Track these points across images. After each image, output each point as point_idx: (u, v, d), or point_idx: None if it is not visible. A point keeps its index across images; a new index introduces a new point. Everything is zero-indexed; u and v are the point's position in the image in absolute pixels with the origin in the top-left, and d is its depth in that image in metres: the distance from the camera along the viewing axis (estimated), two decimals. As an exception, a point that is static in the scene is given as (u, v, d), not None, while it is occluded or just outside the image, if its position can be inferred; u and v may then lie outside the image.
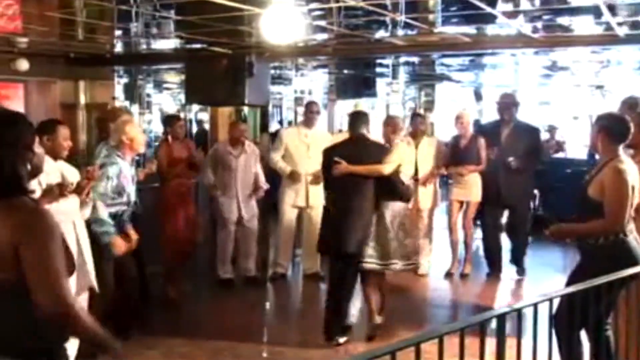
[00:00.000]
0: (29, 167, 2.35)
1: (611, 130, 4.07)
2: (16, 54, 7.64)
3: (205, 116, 13.39)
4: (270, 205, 7.94)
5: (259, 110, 9.36)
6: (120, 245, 4.87)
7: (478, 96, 16.59)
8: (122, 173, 5.02)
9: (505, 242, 7.72)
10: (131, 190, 5.13)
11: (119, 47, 8.03)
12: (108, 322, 4.68)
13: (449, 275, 7.60)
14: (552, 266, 7.47)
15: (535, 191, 9.12)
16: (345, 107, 13.55)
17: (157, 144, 8.42)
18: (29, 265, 2.16)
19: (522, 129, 7.47)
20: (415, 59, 9.94)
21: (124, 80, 11.63)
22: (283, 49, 7.22)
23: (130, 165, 5.19)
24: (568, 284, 3.95)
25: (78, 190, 4.23)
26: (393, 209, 5.32)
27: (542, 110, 16.92)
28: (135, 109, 11.79)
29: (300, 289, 7.51)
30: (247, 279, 7.21)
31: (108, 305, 4.72)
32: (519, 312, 2.93)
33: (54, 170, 4.26)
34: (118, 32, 7.08)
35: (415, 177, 7.10)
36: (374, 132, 6.14)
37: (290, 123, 15.03)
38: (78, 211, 4.38)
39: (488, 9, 5.36)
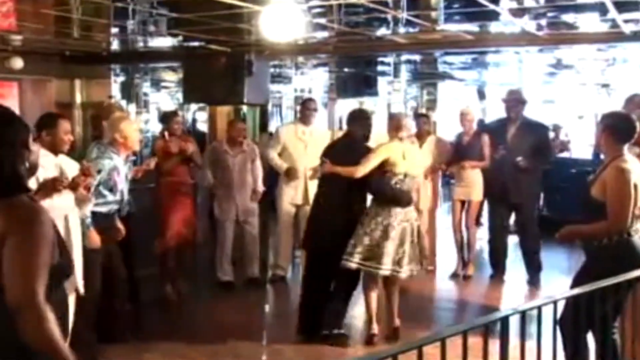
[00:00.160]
0: (27, 165, 2.36)
1: (616, 128, 4.06)
2: (10, 52, 7.65)
3: (203, 116, 13.39)
4: (269, 203, 7.94)
5: (258, 110, 9.34)
6: (94, 239, 4.69)
7: (481, 95, 16.58)
8: (117, 169, 4.94)
9: (513, 244, 7.68)
10: (124, 188, 5.05)
11: (115, 45, 8.04)
12: (98, 325, 4.77)
13: (454, 276, 7.59)
14: (557, 268, 7.46)
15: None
16: (345, 106, 13.54)
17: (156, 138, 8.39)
18: (6, 257, 2.16)
19: (530, 127, 7.36)
20: (417, 57, 9.94)
21: (121, 78, 11.62)
22: (283, 47, 7.22)
23: (125, 163, 5.13)
24: (573, 285, 3.95)
25: (72, 185, 4.21)
26: (404, 215, 5.27)
27: (547, 109, 16.91)
28: (132, 108, 11.78)
29: (300, 291, 7.49)
30: (247, 280, 7.21)
31: (94, 308, 4.69)
32: (523, 314, 2.92)
33: (52, 166, 4.24)
34: (114, 30, 7.09)
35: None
36: (378, 131, 6.15)
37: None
38: (72, 207, 4.35)
39: (491, 6, 5.36)
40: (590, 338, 3.98)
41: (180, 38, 7.28)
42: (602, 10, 5.54)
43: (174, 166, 6.56)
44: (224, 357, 5.20)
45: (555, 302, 3.23)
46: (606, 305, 3.56)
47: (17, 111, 7.51)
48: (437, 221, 7.79)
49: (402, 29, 6.57)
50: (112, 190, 4.93)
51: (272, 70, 9.54)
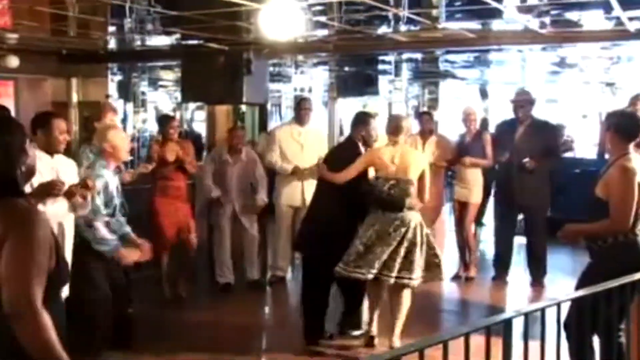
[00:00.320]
0: (23, 169, 2.36)
1: (621, 127, 4.06)
2: (6, 50, 7.65)
3: (201, 115, 13.41)
4: (267, 205, 7.93)
5: (257, 109, 9.37)
6: (127, 256, 4.74)
7: (484, 94, 16.59)
8: (109, 187, 4.82)
9: (517, 245, 7.66)
10: (117, 202, 4.91)
11: (112, 44, 8.05)
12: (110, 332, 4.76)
13: (456, 278, 7.59)
14: (561, 269, 7.45)
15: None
16: (346, 105, 13.55)
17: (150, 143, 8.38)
18: (4, 260, 2.16)
19: (539, 127, 7.27)
20: (419, 56, 9.96)
21: (118, 77, 11.63)
22: (282, 46, 7.22)
23: (114, 174, 4.99)
24: (578, 287, 3.95)
25: (68, 193, 4.19)
26: (400, 221, 5.19)
27: (550, 109, 16.91)
28: (129, 107, 11.80)
29: (300, 292, 7.49)
30: (246, 283, 7.21)
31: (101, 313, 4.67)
32: (526, 317, 2.92)
33: (47, 169, 4.22)
34: (112, 28, 7.09)
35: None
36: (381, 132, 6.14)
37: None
38: (66, 214, 4.33)
39: (494, 4, 5.36)
40: (595, 340, 3.97)
41: (179, 36, 7.28)
42: (607, 7, 5.54)
43: (170, 171, 6.56)
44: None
45: (559, 304, 3.23)
46: (611, 307, 3.55)
47: (12, 110, 7.54)
48: (440, 222, 7.77)
49: (403, 27, 6.57)
50: (107, 205, 4.80)
51: (271, 69, 9.55)
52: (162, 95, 17.55)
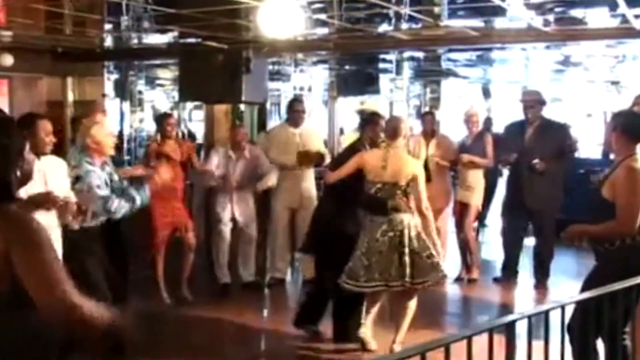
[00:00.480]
0: (18, 173, 2.35)
1: (628, 128, 4.06)
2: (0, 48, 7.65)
3: (199, 114, 13.40)
4: (264, 207, 7.93)
5: (256, 108, 9.35)
6: (156, 180, 5.05)
7: (486, 93, 16.59)
8: (98, 181, 4.84)
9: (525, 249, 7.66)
10: (105, 194, 4.88)
11: (109, 42, 8.05)
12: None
13: (458, 280, 7.59)
14: (566, 272, 7.45)
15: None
16: (346, 104, 13.57)
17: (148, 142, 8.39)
18: (22, 273, 2.16)
19: (548, 128, 7.21)
20: (420, 54, 9.96)
21: (115, 76, 11.64)
22: (282, 44, 7.23)
23: (102, 169, 4.98)
24: (583, 289, 3.94)
25: (60, 210, 4.17)
26: (388, 225, 5.15)
27: (554, 108, 16.91)
28: (126, 106, 11.80)
29: (300, 294, 7.50)
30: (245, 284, 7.21)
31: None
32: (529, 319, 2.92)
33: (35, 172, 4.20)
34: (108, 26, 7.10)
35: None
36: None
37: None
38: (56, 226, 4.31)
39: (497, 1, 5.36)
40: (600, 343, 3.98)
41: (176, 34, 7.29)
42: (612, 5, 5.55)
43: (168, 170, 6.54)
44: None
45: (563, 307, 3.23)
46: (616, 309, 3.55)
47: (7, 110, 7.54)
48: (444, 223, 7.77)
49: (404, 25, 6.58)
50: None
51: (270, 67, 9.56)
52: (160, 94, 17.55)
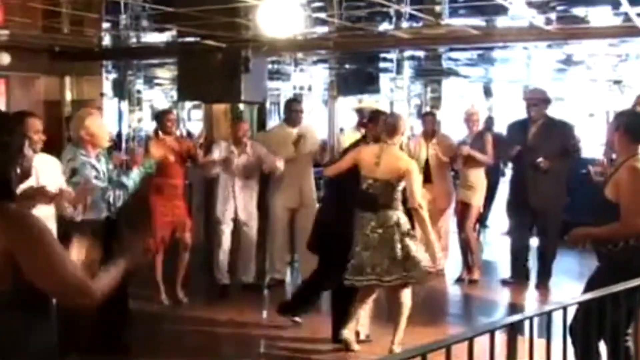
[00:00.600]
0: (18, 170, 2.36)
1: (630, 127, 4.06)
2: (-3, 47, 7.65)
3: (198, 114, 13.40)
4: (263, 207, 7.94)
5: (255, 108, 9.35)
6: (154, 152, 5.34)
7: (488, 92, 16.59)
8: (94, 172, 4.89)
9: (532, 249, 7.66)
10: (102, 185, 4.97)
11: (107, 41, 8.05)
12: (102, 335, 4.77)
13: (459, 280, 7.59)
14: (568, 273, 7.45)
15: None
16: (346, 104, 13.56)
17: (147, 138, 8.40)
18: (35, 271, 2.18)
19: (552, 126, 7.21)
20: (421, 53, 9.96)
21: (113, 75, 11.63)
22: (281, 43, 7.23)
23: (98, 161, 5.02)
24: (586, 290, 3.94)
25: (55, 199, 4.18)
26: (377, 222, 5.18)
27: (556, 107, 16.90)
28: (124, 106, 11.80)
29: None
30: (244, 285, 7.21)
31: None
32: (531, 320, 2.92)
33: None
34: (106, 25, 7.09)
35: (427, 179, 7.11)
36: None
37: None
38: (51, 215, 4.33)
39: (498, 0, 5.37)
40: (602, 345, 3.98)
41: (175, 33, 7.29)
42: (615, 3, 5.54)
43: (168, 167, 6.54)
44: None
45: (565, 308, 3.23)
46: (618, 311, 3.55)
47: (4, 109, 7.53)
48: (446, 223, 7.77)
49: (405, 24, 6.58)
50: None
51: (270, 66, 9.55)
52: (158, 93, 17.55)
